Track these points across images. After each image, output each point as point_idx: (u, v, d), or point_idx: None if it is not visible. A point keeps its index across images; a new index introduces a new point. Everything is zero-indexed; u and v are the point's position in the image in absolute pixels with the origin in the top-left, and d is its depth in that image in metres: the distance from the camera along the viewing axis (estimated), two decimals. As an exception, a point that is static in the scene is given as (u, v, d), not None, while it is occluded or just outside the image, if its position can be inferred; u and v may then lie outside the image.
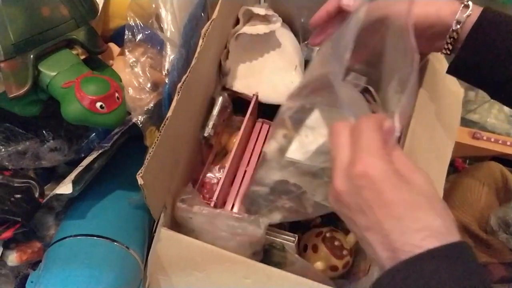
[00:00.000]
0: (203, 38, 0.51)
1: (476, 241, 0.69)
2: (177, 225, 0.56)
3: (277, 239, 0.56)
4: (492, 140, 0.86)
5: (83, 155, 0.57)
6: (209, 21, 0.51)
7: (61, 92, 0.47)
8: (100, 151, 0.51)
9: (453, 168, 0.86)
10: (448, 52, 0.48)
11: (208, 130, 0.62)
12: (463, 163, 0.87)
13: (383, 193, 0.32)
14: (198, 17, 0.59)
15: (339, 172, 0.34)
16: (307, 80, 0.49)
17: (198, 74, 0.54)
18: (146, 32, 0.53)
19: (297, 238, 0.56)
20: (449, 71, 0.50)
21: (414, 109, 0.55)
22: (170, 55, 0.53)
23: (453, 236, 0.30)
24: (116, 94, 0.47)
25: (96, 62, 0.54)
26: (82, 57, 0.52)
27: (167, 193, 0.55)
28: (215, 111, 0.63)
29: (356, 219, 0.34)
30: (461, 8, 0.45)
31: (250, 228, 0.51)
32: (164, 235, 0.52)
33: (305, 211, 0.51)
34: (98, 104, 0.46)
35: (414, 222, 0.31)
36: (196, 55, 0.49)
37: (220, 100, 0.63)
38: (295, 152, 0.48)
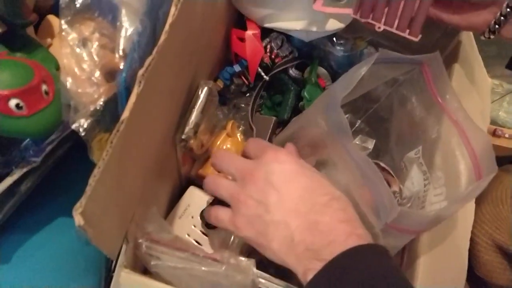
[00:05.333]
0: (176, 5, 0.35)
1: (512, 263, 0.58)
2: (142, 264, 0.43)
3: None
4: (516, 138, 0.75)
5: (14, 168, 0.41)
6: (187, -19, 0.36)
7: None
8: (24, 170, 0.35)
9: (472, 173, 0.75)
10: (492, 36, 0.39)
11: (188, 131, 0.48)
12: (482, 166, 0.76)
13: None
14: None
15: None
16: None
17: (170, 57, 0.39)
18: (92, -7, 0.37)
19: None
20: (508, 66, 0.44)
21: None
22: (127, 27, 0.36)
23: None
24: (44, 87, 0.32)
25: (20, 39, 0.38)
26: (-3, 30, 0.36)
27: (129, 221, 0.42)
28: (198, 105, 0.48)
29: None
30: None
31: (238, 278, 0.40)
32: (126, 280, 0.41)
33: None
34: (13, 102, 0.30)
35: None
36: (166, 28, 0.34)
37: (205, 90, 0.49)
38: None
